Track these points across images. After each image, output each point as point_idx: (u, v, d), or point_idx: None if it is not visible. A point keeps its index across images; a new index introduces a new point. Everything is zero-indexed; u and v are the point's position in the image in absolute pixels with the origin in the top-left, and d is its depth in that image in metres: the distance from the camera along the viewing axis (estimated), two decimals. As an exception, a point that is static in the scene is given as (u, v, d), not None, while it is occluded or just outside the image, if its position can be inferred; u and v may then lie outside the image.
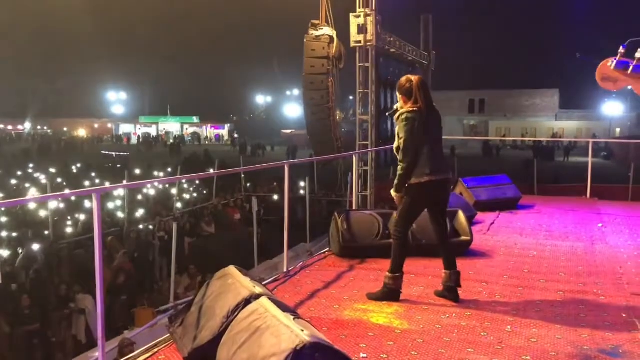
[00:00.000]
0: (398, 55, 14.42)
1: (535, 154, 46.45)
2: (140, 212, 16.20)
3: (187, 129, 70.36)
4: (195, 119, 71.94)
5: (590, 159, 9.93)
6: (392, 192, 4.43)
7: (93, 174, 23.93)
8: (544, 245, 6.44)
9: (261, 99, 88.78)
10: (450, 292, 4.45)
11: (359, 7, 11.83)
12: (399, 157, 4.33)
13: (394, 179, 4.44)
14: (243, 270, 3.67)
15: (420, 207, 4.49)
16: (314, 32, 12.08)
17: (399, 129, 4.35)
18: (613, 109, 60.87)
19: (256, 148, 50.70)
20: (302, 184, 19.96)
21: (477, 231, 6.97)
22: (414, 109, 4.28)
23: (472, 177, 8.99)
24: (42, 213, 14.91)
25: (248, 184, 21.09)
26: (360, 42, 11.82)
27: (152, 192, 18.42)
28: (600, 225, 7.55)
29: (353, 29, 11.79)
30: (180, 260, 12.21)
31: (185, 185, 20.83)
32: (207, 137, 70.27)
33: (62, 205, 15.54)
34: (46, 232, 13.23)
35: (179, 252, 13.04)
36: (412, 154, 4.25)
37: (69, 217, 14.94)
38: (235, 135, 68.39)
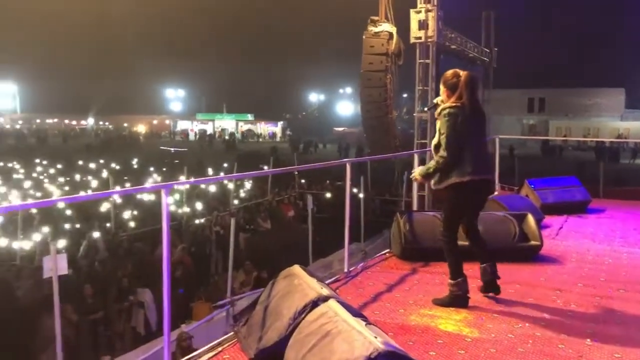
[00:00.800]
0: (459, 51, 14.07)
1: (599, 155, 44.84)
2: (198, 207, 16.49)
3: (241, 126, 71.38)
4: (249, 117, 72.92)
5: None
6: (417, 173, 4.28)
7: (152, 169, 24.52)
8: (619, 252, 6.07)
9: (314, 97, 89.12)
10: (491, 285, 4.34)
11: (420, 3, 11.58)
12: (440, 152, 4.08)
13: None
14: (308, 270, 3.58)
15: (464, 208, 4.28)
16: (373, 29, 11.94)
17: (440, 125, 4.11)
18: (684, 109, 57.74)
19: (308, 145, 50.84)
20: (355, 189, 19.85)
21: (545, 236, 6.62)
22: (457, 104, 4.04)
23: (538, 179, 8.60)
24: (104, 207, 15.34)
25: (302, 181, 21.13)
26: (420, 38, 11.58)
27: (212, 188, 18.69)
28: (680, 232, 7.07)
29: (413, 25, 11.56)
30: (235, 256, 12.33)
31: (246, 183, 21.10)
32: (260, 134, 71.07)
33: (119, 200, 15.96)
34: (108, 225, 13.58)
35: (235, 247, 13.18)
36: (453, 152, 4.01)
37: (128, 211, 15.32)
38: (288, 133, 68.91)
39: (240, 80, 78.81)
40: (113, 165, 25.62)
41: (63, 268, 6.16)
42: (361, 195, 13.31)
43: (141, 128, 68.34)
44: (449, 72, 4.21)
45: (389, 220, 17.82)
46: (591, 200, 8.61)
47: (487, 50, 16.58)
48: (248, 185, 21.22)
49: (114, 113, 72.78)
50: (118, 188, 15.14)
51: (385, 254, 5.91)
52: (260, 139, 68.40)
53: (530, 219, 5.88)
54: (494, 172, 4.48)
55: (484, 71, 17.04)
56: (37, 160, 26.62)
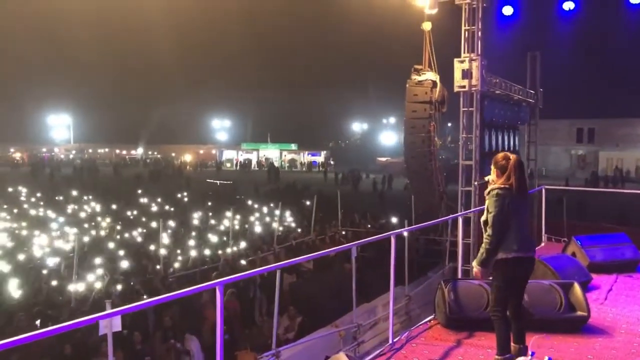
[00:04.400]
0: (503, 96, 14.04)
1: (651, 188, 43.31)
2: (242, 246, 16.81)
3: (285, 155, 72.26)
4: (293, 146, 73.78)
5: None
6: (475, 264, 4.54)
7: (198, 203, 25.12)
8: (672, 323, 5.92)
9: (357, 127, 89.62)
10: None
11: (464, 52, 11.69)
12: (487, 232, 4.46)
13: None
14: (352, 358, 3.69)
15: (511, 283, 4.54)
16: (416, 77, 12.10)
17: (489, 204, 4.50)
18: None
19: (349, 177, 50.89)
20: (396, 220, 19.80)
21: (593, 300, 6.56)
22: (506, 186, 4.42)
23: (586, 235, 8.47)
24: (153, 246, 15.81)
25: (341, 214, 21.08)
26: (464, 87, 11.66)
27: (257, 227, 19.01)
28: None
29: (457, 74, 11.66)
30: (279, 299, 12.50)
31: (288, 218, 21.36)
32: (302, 163, 71.76)
33: (166, 241, 16.42)
34: (157, 267, 13.99)
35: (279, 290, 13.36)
36: (499, 230, 4.39)
37: (178, 252, 15.74)
38: (331, 162, 69.31)
39: (284, 110, 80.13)
40: (160, 200, 26.31)
41: (117, 325, 6.45)
42: (405, 234, 13.29)
43: (188, 157, 70.04)
44: (500, 155, 4.63)
45: (433, 260, 17.73)
46: (641, 259, 8.39)
47: (533, 92, 16.46)
48: (290, 218, 21.49)
49: (162, 142, 74.93)
50: (165, 234, 15.71)
51: (430, 320, 5.94)
52: (303, 169, 69.05)
53: (577, 288, 5.83)
54: (535, 250, 4.73)
55: (530, 111, 16.90)
56: (89, 196, 27.62)
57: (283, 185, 37.89)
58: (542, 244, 10.35)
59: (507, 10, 11.52)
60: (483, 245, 4.45)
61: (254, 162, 68.26)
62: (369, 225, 20.28)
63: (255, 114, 79.83)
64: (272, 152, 71.96)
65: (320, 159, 72.76)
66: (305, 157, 73.05)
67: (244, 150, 72.25)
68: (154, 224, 18.89)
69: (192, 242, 16.88)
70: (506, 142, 14.64)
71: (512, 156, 4.54)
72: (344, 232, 19.17)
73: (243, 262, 14.96)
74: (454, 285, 5.78)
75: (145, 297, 12.01)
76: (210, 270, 14.26)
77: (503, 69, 14.41)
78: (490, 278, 4.61)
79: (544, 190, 10.33)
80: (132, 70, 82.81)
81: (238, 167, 63.82)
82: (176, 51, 77.20)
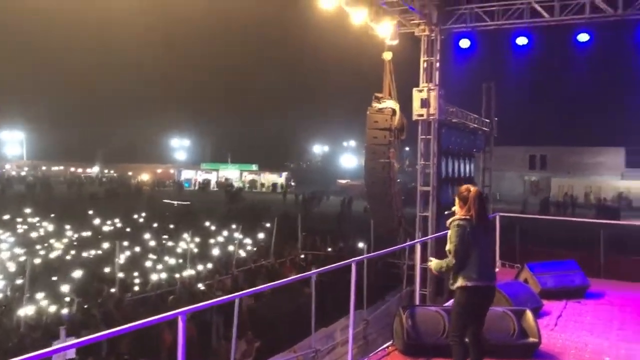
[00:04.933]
0: (460, 124, 14.49)
1: (599, 213, 45.02)
2: (200, 269, 16.61)
3: (245, 176, 71.94)
4: (254, 167, 73.57)
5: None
6: (432, 265, 4.92)
7: (155, 225, 24.69)
8: (617, 347, 6.20)
9: (318, 148, 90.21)
10: None
11: (423, 82, 12.06)
12: (449, 258, 4.71)
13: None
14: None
15: (470, 310, 4.75)
16: (377, 105, 12.37)
17: (451, 234, 4.72)
18: (685, 169, 58.21)
19: (312, 198, 51.04)
20: (360, 244, 19.94)
21: (544, 326, 6.79)
22: (467, 217, 4.65)
23: (538, 262, 8.77)
24: (109, 268, 15.47)
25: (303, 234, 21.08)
26: (422, 115, 12.01)
27: (215, 250, 18.83)
28: (677, 323, 7.19)
29: (416, 103, 12.01)
30: (238, 321, 12.38)
31: (246, 240, 21.20)
32: (263, 184, 71.57)
33: (133, 265, 16.12)
34: (112, 290, 13.68)
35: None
36: (461, 259, 4.62)
37: (135, 274, 15.45)
38: (292, 183, 69.37)
39: (245, 130, 80.00)
40: (117, 220, 25.76)
41: (71, 353, 6.32)
42: (364, 263, 13.41)
43: (145, 176, 68.88)
44: (463, 187, 4.89)
45: (392, 284, 17.89)
46: (589, 285, 8.74)
47: (487, 121, 17.03)
48: (249, 241, 21.34)
49: (119, 161, 73.58)
50: (122, 256, 15.42)
51: (388, 347, 6.04)
52: (264, 189, 68.81)
53: (529, 315, 6.04)
54: (495, 279, 4.93)
55: (485, 139, 17.44)
56: (41, 215, 26.79)
57: (243, 207, 37.68)
58: (497, 270, 10.64)
59: (464, 43, 11.96)
60: (446, 262, 4.70)
61: (213, 183, 67.64)
62: (329, 249, 20.35)
63: (216, 133, 79.49)
64: (232, 173, 71.53)
65: (281, 180, 72.75)
66: (266, 178, 72.91)
67: (203, 170, 71.60)
68: (109, 245, 18.51)
69: (148, 264, 16.60)
70: (462, 169, 15.05)
71: (473, 188, 4.76)
72: (303, 256, 19.18)
73: (201, 285, 14.79)
74: (412, 311, 5.91)
75: (99, 319, 11.73)
76: (167, 293, 14.04)
77: (460, 98, 14.91)
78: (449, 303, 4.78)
79: (498, 217, 10.66)
80: (89, 87, 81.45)
81: (197, 188, 63.12)
82: (136, 69, 76.42)
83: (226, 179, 67.82)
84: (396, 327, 5.97)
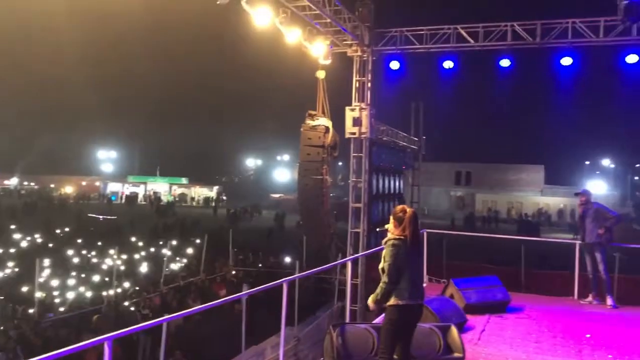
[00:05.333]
0: (390, 142, 14.89)
1: (520, 227, 47.24)
2: (127, 287, 16.08)
3: (175, 189, 70.41)
4: (184, 180, 72.14)
5: (577, 261, 10.14)
6: (370, 301, 4.89)
7: (79, 241, 23.69)
8: (534, 360, 6.52)
9: (251, 162, 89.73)
10: None
11: (355, 101, 12.32)
12: (383, 278, 4.78)
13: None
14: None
15: (400, 328, 4.88)
16: (310, 122, 12.50)
17: (386, 253, 4.82)
18: (597, 187, 62.21)
19: (244, 213, 50.65)
20: (288, 259, 19.96)
21: (468, 340, 7.04)
22: (401, 237, 4.78)
23: (462, 278, 9.11)
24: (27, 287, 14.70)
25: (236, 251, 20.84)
26: (354, 133, 12.25)
27: (143, 266, 18.28)
28: (588, 335, 7.65)
29: (348, 122, 12.24)
30: (165, 342, 12.05)
31: (175, 257, 20.73)
32: (193, 198, 70.32)
33: (54, 284, 15.37)
34: (30, 311, 13.00)
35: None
36: (394, 278, 4.73)
37: (55, 294, 14.75)
38: (223, 197, 68.54)
39: (175, 143, 78.31)
40: (37, 235, 24.52)
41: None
42: (296, 281, 13.43)
43: (69, 189, 66.02)
44: (398, 207, 5.03)
45: (323, 299, 17.94)
46: (510, 300, 9.15)
47: (416, 139, 17.58)
48: (178, 259, 20.87)
49: (40, 172, 70.12)
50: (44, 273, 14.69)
51: (317, 365, 6.08)
52: (194, 203, 67.59)
53: (454, 330, 6.26)
54: (424, 297, 5.08)
55: (413, 157, 17.97)
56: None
57: (172, 222, 36.83)
58: (424, 285, 10.94)
59: (394, 65, 12.34)
60: (379, 288, 4.77)
61: (140, 196, 65.76)
62: (260, 265, 20.24)
63: (144, 145, 77.40)
64: (161, 186, 69.83)
65: (212, 193, 71.71)
66: (197, 192, 71.65)
67: (130, 183, 69.46)
68: (27, 262, 17.58)
69: (71, 282, 15.91)
70: (392, 186, 15.46)
71: (409, 209, 4.92)
72: (234, 272, 18.97)
73: (127, 304, 14.32)
74: (342, 330, 5.98)
75: (13, 341, 11.09)
76: (92, 312, 13.50)
77: (390, 117, 15.35)
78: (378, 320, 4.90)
79: (425, 233, 10.98)
80: (8, 93, 77.34)
81: (124, 201, 61.11)
82: (61, 76, 73.35)
83: (155, 193, 66.12)
84: (326, 345, 6.02)
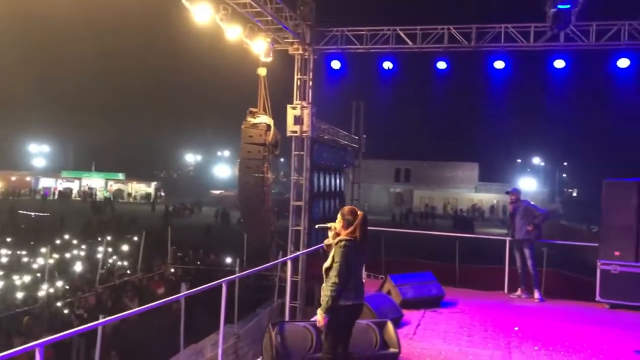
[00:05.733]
0: (331, 141, 15.04)
1: (456, 223, 48.77)
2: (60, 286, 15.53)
3: (111, 185, 68.31)
4: (120, 176, 70.07)
5: (507, 257, 10.60)
6: (320, 312, 4.82)
7: (8, 239, 22.63)
8: (465, 354, 6.79)
9: (191, 158, 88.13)
10: None
11: (296, 99, 12.38)
12: (331, 279, 4.77)
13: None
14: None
15: (345, 328, 4.98)
16: (251, 120, 12.47)
17: (336, 253, 4.81)
18: (528, 184, 65.07)
19: (182, 209, 49.83)
20: (229, 260, 19.80)
21: (403, 335, 7.25)
22: (351, 238, 4.81)
23: (399, 274, 9.34)
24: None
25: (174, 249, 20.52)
26: (296, 132, 12.32)
27: (77, 267, 17.68)
28: (516, 328, 8.03)
29: (290, 120, 12.30)
30: (101, 343, 11.73)
31: (113, 254, 20.16)
32: (130, 194, 68.48)
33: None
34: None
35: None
36: (344, 279, 4.74)
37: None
38: (162, 193, 67.11)
39: (111, 137, 75.81)
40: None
41: None
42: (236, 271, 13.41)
43: (-3, 184, 62.83)
44: (347, 208, 5.02)
45: (264, 296, 17.93)
46: (444, 295, 9.47)
47: (357, 137, 17.83)
48: (114, 257, 20.32)
49: (-36, 167, 66.41)
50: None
51: (257, 364, 6.11)
52: (131, 199, 65.85)
53: (390, 326, 6.44)
54: (364, 296, 5.19)
55: (354, 155, 18.22)
56: None
57: (108, 219, 35.79)
58: (363, 281, 11.15)
59: (335, 64, 12.48)
60: (327, 293, 4.73)
61: (75, 192, 63.43)
62: (199, 262, 20.01)
63: (79, 140, 74.58)
64: (96, 182, 67.57)
65: (150, 189, 70.04)
66: (133, 188, 69.78)
67: (64, 179, 66.82)
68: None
69: (0, 283, 15.22)
70: (333, 184, 15.64)
71: (360, 212, 4.95)
72: (172, 270, 18.67)
73: (60, 304, 13.86)
74: (281, 328, 6.03)
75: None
76: (22, 313, 12.97)
77: (331, 116, 15.51)
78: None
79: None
80: None
81: (56, 197, 58.72)
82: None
83: (90, 188, 63.93)
84: (265, 343, 6.06)
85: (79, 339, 12.71)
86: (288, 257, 10.83)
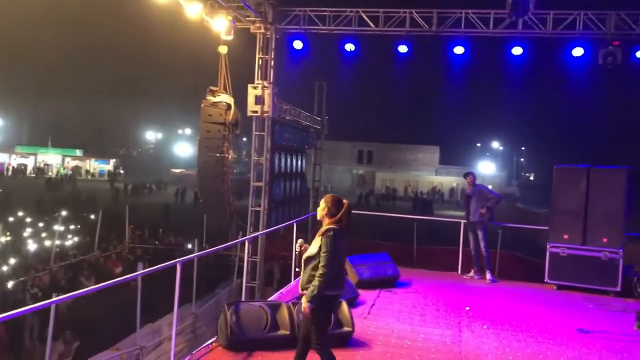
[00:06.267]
0: (293, 121, 15.01)
1: (416, 205, 49.57)
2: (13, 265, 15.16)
3: (68, 162, 66.60)
4: (78, 152, 68.34)
5: (461, 239, 10.87)
6: (305, 301, 4.69)
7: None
8: (417, 333, 6.99)
9: (151, 135, 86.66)
10: None
11: (257, 79, 12.28)
12: (320, 269, 4.65)
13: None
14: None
15: (329, 315, 5.10)
16: (211, 99, 12.32)
17: (324, 242, 4.72)
18: (486, 167, 66.55)
19: (141, 188, 49.07)
20: (188, 240, 19.65)
21: (358, 315, 7.40)
22: (337, 227, 4.79)
23: (356, 255, 9.47)
24: None
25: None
26: (257, 112, 12.24)
27: (31, 245, 17.24)
28: (467, 308, 8.29)
29: (250, 99, 12.20)
30: (55, 322, 11.57)
31: (67, 234, 19.72)
32: (88, 171, 66.99)
33: None
34: None
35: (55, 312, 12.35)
36: (330, 267, 4.68)
37: None
38: (121, 171, 65.87)
39: (69, 112, 73.61)
40: None
41: None
42: (194, 259, 13.31)
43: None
44: (330, 197, 4.95)
45: (222, 275, 17.90)
46: (399, 275, 9.68)
47: (319, 119, 17.83)
48: (72, 236, 19.91)
49: None
50: None
51: (212, 343, 6.16)
52: (89, 177, 64.45)
53: (344, 306, 6.56)
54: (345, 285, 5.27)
55: (316, 136, 18.24)
56: None
57: (65, 196, 34.96)
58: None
59: (297, 45, 12.41)
60: (316, 283, 4.62)
61: (30, 168, 61.57)
62: (157, 242, 19.82)
63: (35, 114, 72.21)
64: (53, 158, 65.73)
65: (109, 167, 68.61)
66: (92, 165, 68.25)
67: (18, 154, 64.75)
68: None
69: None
70: (294, 165, 15.65)
71: (345, 201, 4.93)
72: (130, 248, 18.44)
73: (11, 283, 13.55)
74: (236, 307, 6.08)
75: None
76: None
77: (293, 96, 15.43)
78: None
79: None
80: None
81: (10, 174, 56.89)
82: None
83: (46, 165, 62.20)
84: (220, 323, 6.10)
85: (32, 317, 12.51)
86: (245, 237, 10.85)
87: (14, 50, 73.94)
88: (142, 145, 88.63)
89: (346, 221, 4.84)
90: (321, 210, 4.90)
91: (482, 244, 10.45)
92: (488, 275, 10.38)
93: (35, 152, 65.52)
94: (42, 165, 62.67)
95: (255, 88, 12.17)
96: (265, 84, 12.17)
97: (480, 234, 10.45)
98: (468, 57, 11.84)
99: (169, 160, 74.42)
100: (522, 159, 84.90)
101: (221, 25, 10.97)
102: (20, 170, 59.14)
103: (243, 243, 13.90)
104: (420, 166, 67.16)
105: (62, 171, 61.26)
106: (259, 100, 12.09)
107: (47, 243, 17.64)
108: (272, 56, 12.40)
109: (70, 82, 78.26)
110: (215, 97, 12.27)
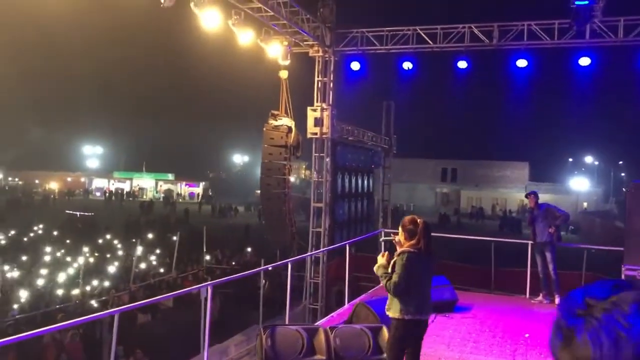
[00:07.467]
0: (356, 142, 14.98)
1: (503, 224, 47.59)
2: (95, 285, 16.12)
3: (161, 185, 70.19)
4: (170, 176, 71.89)
5: (529, 261, 10.29)
6: (380, 264, 4.77)
7: (55, 233, 23.64)
8: (466, 360, 6.66)
9: (238, 158, 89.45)
10: None
11: (317, 101, 12.40)
12: (391, 287, 4.64)
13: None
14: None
15: (404, 343, 4.81)
16: (273, 122, 12.55)
17: (397, 264, 4.64)
18: (580, 183, 62.88)
19: (227, 209, 50.67)
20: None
21: (406, 340, 7.16)
22: (415, 250, 4.64)
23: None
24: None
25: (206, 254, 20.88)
26: (316, 133, 12.33)
27: (114, 265, 18.28)
28: (526, 335, 7.80)
29: (310, 122, 12.32)
30: (129, 341, 12.11)
31: (149, 255, 20.73)
32: (180, 194, 70.12)
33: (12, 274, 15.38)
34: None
35: (130, 329, 12.95)
36: (401, 290, 4.59)
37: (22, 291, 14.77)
38: (210, 194, 68.39)
39: (161, 138, 77.80)
40: (14, 232, 24.45)
41: None
42: (261, 278, 13.51)
43: (54, 185, 65.65)
44: (407, 218, 4.84)
45: (294, 296, 17.99)
46: (457, 300, 9.28)
47: (387, 138, 17.68)
48: (152, 257, 20.87)
49: (25, 168, 69.70)
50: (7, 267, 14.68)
51: (250, 366, 6.19)
52: (180, 200, 67.45)
53: (385, 331, 6.37)
54: (431, 312, 5.21)
55: (383, 156, 18.10)
56: None
57: (155, 218, 36.77)
58: (370, 291, 11.05)
59: (355, 66, 12.44)
60: (389, 282, 4.64)
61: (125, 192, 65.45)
62: (234, 263, 20.33)
63: (130, 141, 76.90)
64: (146, 182, 69.57)
65: (198, 190, 71.52)
66: (183, 188, 71.47)
67: (116, 179, 69.16)
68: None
69: (40, 281, 15.93)
70: (360, 185, 15.57)
71: (420, 220, 4.78)
72: (206, 269, 19.05)
73: (94, 302, 14.38)
74: (272, 331, 6.09)
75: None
76: (57, 311, 13.54)
77: (358, 117, 15.44)
78: None
79: (383, 233, 11.11)
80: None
81: (108, 197, 60.78)
82: (45, 70, 72.78)
83: (140, 189, 65.86)
84: (257, 346, 6.14)
85: (108, 335, 13.17)
86: (308, 254, 10.87)
87: (112, 84, 79.57)
88: (230, 168, 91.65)
89: (425, 243, 4.66)
90: (400, 235, 4.75)
91: (550, 266, 9.83)
92: (557, 300, 9.72)
93: (131, 177, 69.65)
94: (137, 189, 66.41)
95: (314, 110, 12.29)
96: (324, 105, 12.26)
97: (548, 255, 9.85)
98: (532, 69, 11.32)
99: (255, 182, 76.32)
100: (622, 174, 79.42)
101: (276, 50, 11.20)
102: (117, 193, 63.04)
103: (315, 264, 14.00)
104: (508, 183, 64.52)
105: (155, 194, 64.57)
106: (318, 122, 12.19)
107: (129, 264, 18.59)
108: (331, 78, 12.50)
109: (161, 109, 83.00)
110: (276, 120, 12.48)
